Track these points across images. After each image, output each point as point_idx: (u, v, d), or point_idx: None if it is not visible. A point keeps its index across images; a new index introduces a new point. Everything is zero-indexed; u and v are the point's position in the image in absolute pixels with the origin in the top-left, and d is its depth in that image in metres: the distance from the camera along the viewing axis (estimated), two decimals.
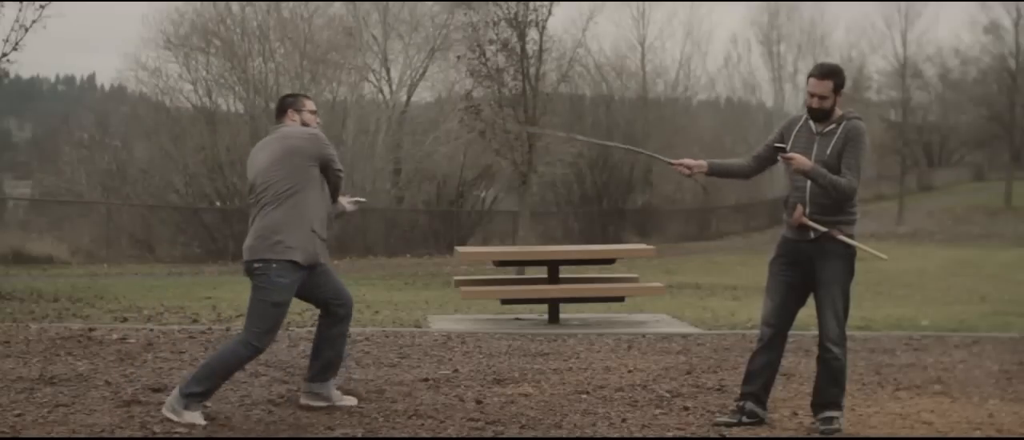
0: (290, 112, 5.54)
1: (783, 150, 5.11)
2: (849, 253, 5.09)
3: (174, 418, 5.06)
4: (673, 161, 5.43)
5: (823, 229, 5.03)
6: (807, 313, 5.37)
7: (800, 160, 5.03)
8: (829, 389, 5.12)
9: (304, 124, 5.53)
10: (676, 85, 45.48)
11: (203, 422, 5.08)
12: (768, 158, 5.32)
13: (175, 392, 5.17)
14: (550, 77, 24.59)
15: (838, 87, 5.09)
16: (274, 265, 5.22)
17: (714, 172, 5.45)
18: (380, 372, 6.66)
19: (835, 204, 5.04)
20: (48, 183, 31.95)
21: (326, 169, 5.40)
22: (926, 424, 5.40)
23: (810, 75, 5.14)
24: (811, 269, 5.11)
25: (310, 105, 5.64)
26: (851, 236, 5.09)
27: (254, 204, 5.37)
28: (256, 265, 5.28)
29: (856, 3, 70.75)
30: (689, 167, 5.37)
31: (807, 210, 5.07)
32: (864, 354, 7.71)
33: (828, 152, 5.03)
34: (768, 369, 5.28)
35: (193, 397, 5.12)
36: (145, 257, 25.51)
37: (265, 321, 5.25)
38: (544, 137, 22.57)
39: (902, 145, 49.47)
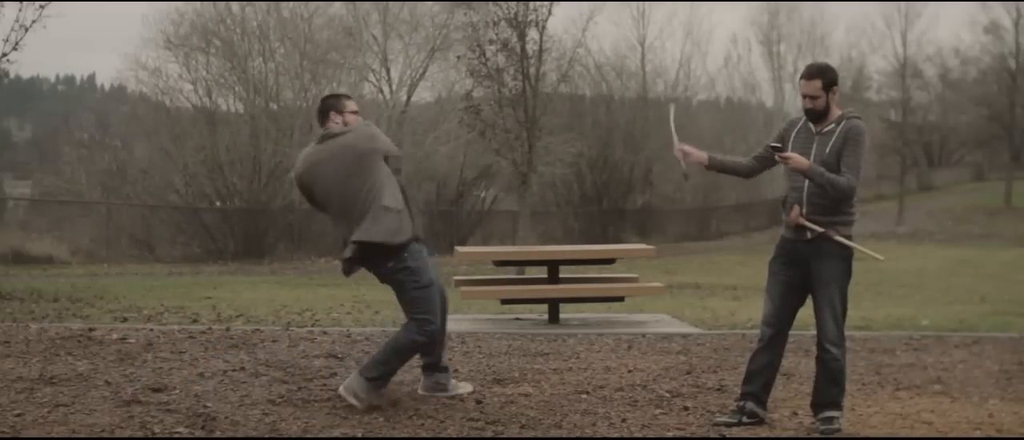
0: (333, 114, 5.67)
1: (780, 149, 5.12)
2: (846, 254, 5.09)
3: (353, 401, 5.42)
4: (679, 145, 5.28)
5: (820, 229, 5.03)
6: (807, 313, 5.36)
7: (797, 159, 5.04)
8: (828, 389, 5.13)
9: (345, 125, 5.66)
10: (676, 85, 45.48)
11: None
12: (768, 159, 5.29)
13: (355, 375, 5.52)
14: (550, 77, 24.61)
15: (828, 85, 5.08)
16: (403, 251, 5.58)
17: (713, 166, 5.35)
18: None
19: (833, 204, 5.04)
20: (48, 183, 31.93)
21: (388, 158, 5.60)
22: (926, 424, 5.40)
23: (800, 77, 5.18)
24: (809, 269, 5.11)
25: (351, 105, 5.75)
26: (849, 237, 5.09)
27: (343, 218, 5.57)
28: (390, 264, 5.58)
29: (856, 3, 70.81)
30: (686, 153, 5.24)
31: (804, 210, 5.08)
32: (864, 354, 7.70)
33: (827, 151, 5.03)
34: (768, 369, 5.28)
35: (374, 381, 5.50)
36: (145, 257, 25.52)
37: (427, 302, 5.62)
38: (544, 137, 22.58)
39: (902, 145, 49.46)
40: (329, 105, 5.71)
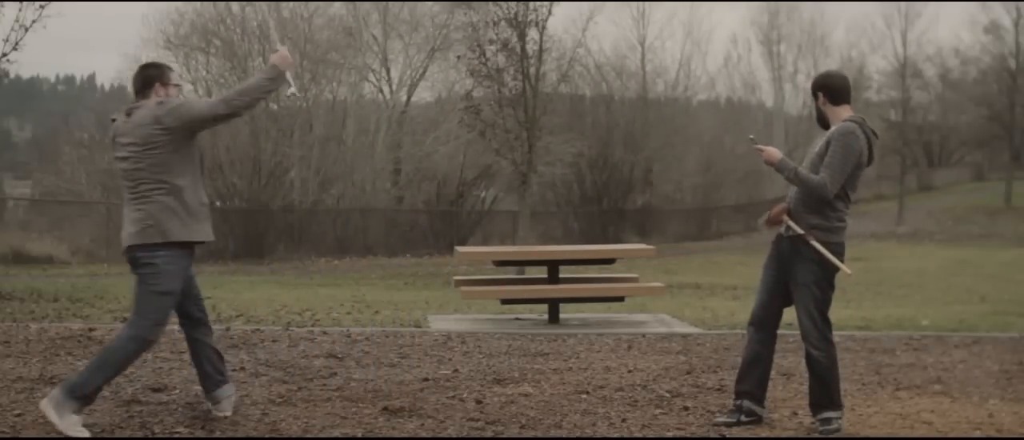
0: (157, 86, 5.01)
1: (754, 140, 5.28)
2: (824, 258, 5.09)
3: (54, 418, 4.70)
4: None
5: (799, 230, 5.05)
6: None
7: (768, 152, 5.16)
8: (817, 389, 5.14)
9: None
10: (676, 85, 45.52)
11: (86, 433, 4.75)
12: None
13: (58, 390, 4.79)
14: (550, 77, 24.62)
15: (816, 89, 5.20)
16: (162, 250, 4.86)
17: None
18: (380, 372, 6.66)
19: (815, 206, 5.05)
20: (48, 183, 31.95)
21: (197, 126, 4.90)
22: (926, 424, 5.40)
23: None
24: (788, 269, 5.15)
25: (175, 76, 5.11)
26: (836, 242, 5.06)
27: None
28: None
29: (856, 3, 70.81)
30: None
31: (790, 207, 5.12)
32: (864, 354, 7.71)
33: (814, 152, 5.12)
34: (760, 365, 5.28)
35: (80, 399, 4.74)
36: None
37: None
38: (544, 137, 22.59)
39: (902, 145, 49.48)
40: (152, 76, 5.03)
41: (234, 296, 13.03)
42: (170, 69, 5.19)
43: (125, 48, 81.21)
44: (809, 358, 5.12)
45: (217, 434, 4.94)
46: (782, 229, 5.19)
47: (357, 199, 31.16)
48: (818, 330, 5.09)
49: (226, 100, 4.92)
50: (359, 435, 4.98)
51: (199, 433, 4.94)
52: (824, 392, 5.12)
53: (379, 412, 5.44)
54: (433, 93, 35.80)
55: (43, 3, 13.76)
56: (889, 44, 53.61)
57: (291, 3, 30.50)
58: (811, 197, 5.04)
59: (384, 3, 33.12)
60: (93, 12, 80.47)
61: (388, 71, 34.37)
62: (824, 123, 5.20)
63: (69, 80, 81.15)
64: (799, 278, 5.09)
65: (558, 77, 27.05)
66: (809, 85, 5.38)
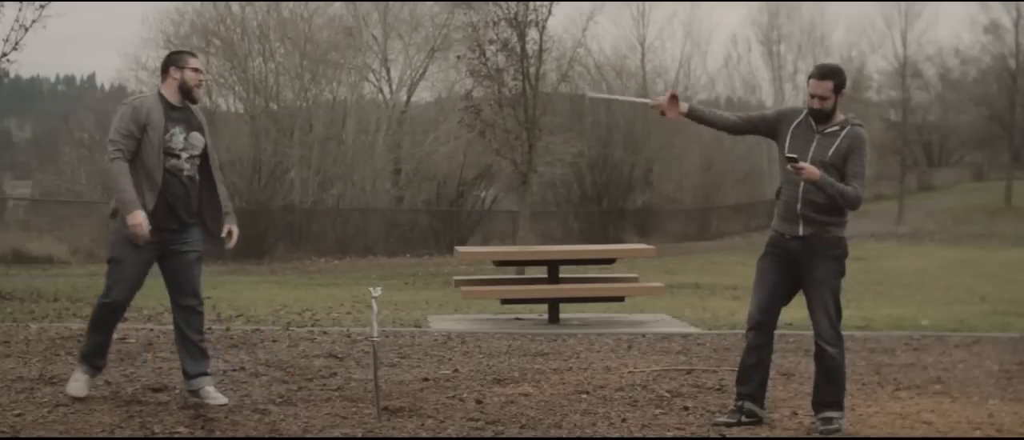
0: (172, 70, 5.61)
1: (794, 160, 5.02)
2: (838, 253, 5.09)
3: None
4: (652, 101, 5.30)
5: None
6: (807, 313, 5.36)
7: (810, 171, 4.97)
8: (827, 388, 5.13)
9: (183, 83, 5.64)
10: (676, 85, 45.49)
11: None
12: (760, 128, 5.34)
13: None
14: (550, 77, 24.60)
15: (838, 88, 5.07)
16: None
17: (693, 116, 5.29)
18: (380, 372, 6.65)
19: (829, 202, 5.04)
20: (48, 183, 31.94)
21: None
22: (926, 424, 5.40)
23: (810, 76, 5.14)
24: (800, 268, 5.12)
25: (194, 62, 5.64)
26: (842, 238, 5.10)
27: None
28: None
29: (856, 3, 70.81)
30: (662, 107, 5.19)
31: (799, 206, 5.08)
32: (864, 354, 7.70)
33: (829, 153, 5.04)
34: (760, 367, 5.28)
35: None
36: None
37: None
38: (544, 137, 22.59)
39: (902, 145, 49.48)
40: (168, 61, 5.65)
41: (234, 296, 13.02)
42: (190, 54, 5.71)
43: (125, 48, 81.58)
44: (822, 355, 5.11)
45: (217, 434, 4.94)
46: (782, 228, 5.17)
47: (357, 199, 31.16)
48: (833, 328, 5.09)
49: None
50: (359, 435, 4.98)
51: (199, 433, 4.94)
52: (831, 391, 5.11)
53: (379, 412, 5.43)
54: (433, 93, 35.84)
55: (43, 3, 13.78)
56: (889, 44, 53.70)
57: (291, 3, 30.50)
58: (825, 195, 5.02)
59: (384, 3, 33.11)
60: (93, 12, 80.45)
61: (388, 71, 34.38)
62: (827, 117, 5.08)
63: (69, 80, 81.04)
64: (817, 275, 5.08)
65: (558, 77, 27.02)
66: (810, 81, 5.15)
